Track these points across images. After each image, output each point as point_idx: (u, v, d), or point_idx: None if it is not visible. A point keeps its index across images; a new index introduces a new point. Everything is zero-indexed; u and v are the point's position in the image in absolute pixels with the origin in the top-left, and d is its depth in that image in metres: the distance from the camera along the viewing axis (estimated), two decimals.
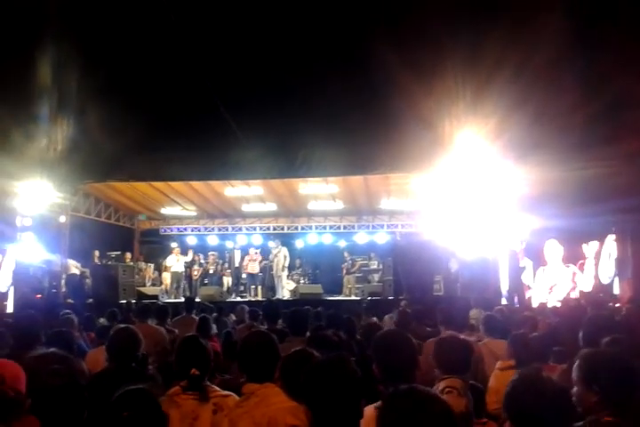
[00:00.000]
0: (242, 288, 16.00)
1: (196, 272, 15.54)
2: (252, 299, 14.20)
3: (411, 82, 8.43)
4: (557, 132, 8.27)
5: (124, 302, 11.06)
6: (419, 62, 8.55)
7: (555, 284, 11.26)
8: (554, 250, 11.39)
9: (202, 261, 15.85)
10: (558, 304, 9.71)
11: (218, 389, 2.65)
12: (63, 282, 12.83)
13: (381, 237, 16.72)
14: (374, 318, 7.75)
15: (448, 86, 8.77)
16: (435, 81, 8.82)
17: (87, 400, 2.05)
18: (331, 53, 10.50)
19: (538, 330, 4.89)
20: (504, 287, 11.15)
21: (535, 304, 10.38)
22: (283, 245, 14.91)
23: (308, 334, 4.22)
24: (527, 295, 11.35)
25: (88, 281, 13.33)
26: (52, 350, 2.60)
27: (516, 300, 11.00)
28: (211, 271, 15.51)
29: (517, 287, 11.28)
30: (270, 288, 15.21)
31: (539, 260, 11.53)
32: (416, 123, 8.94)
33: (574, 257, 11.15)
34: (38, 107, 10.57)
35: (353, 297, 14.22)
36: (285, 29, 11.00)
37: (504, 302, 10.38)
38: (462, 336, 3.54)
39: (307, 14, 10.61)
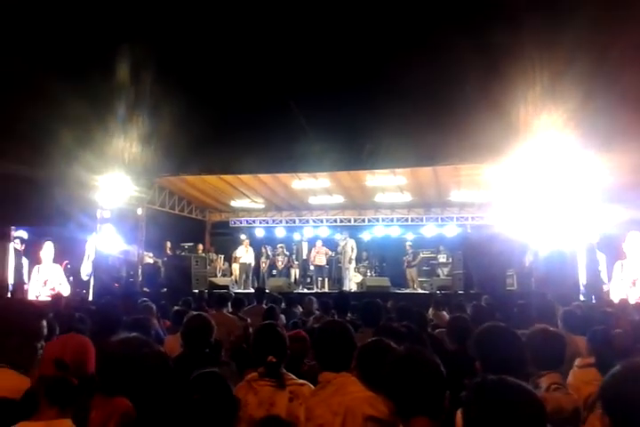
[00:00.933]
0: (308, 280, 16.14)
1: (263, 264, 15.82)
2: (319, 291, 14.28)
3: (482, 66, 8.12)
4: None
5: (197, 291, 11.41)
6: (490, 45, 8.20)
7: (637, 278, 10.63)
8: (635, 243, 10.74)
9: (269, 253, 16.12)
10: None
11: (294, 377, 2.66)
12: (139, 271, 13.41)
13: (450, 230, 16.33)
14: (444, 313, 7.60)
15: (523, 70, 8.34)
16: (508, 65, 8.43)
17: (175, 382, 2.10)
18: (397, 41, 10.32)
19: (620, 327, 4.62)
20: (581, 282, 10.64)
21: (614, 300, 9.84)
22: (350, 237, 14.90)
23: None
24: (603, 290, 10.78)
25: (161, 271, 13.87)
26: (133, 334, 2.70)
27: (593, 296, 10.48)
28: (279, 263, 15.74)
29: (595, 283, 10.72)
30: (337, 280, 15.26)
31: (616, 253, 10.90)
32: (488, 110, 8.57)
33: None
34: (117, 105, 11.06)
35: (419, 291, 14.03)
36: (352, 22, 10.92)
37: (581, 297, 9.91)
38: None
39: (371, 5, 10.49)
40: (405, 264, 15.18)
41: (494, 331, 2.55)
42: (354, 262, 14.71)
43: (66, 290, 12.31)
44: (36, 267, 12.80)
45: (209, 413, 1.84)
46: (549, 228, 10.17)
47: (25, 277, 12.69)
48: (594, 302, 9.71)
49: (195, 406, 1.86)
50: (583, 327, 4.47)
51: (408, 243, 15.70)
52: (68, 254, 13.07)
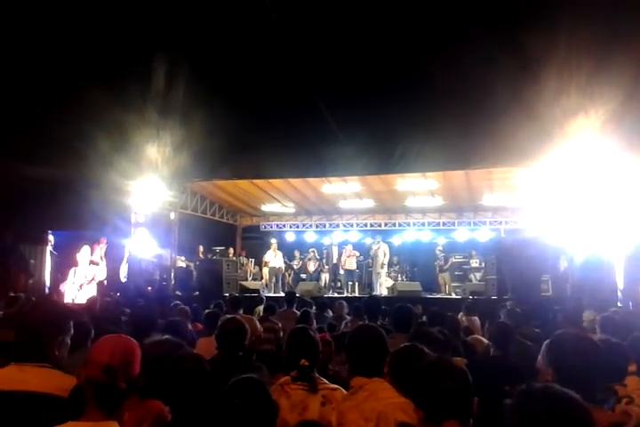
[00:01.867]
0: (339, 284, 16.10)
1: (287, 277, 15.94)
2: (350, 295, 14.24)
3: (515, 67, 7.95)
4: None
5: (228, 295, 11.50)
6: (524, 46, 8.02)
7: None
8: None
9: (294, 263, 16.18)
10: None
11: (326, 381, 2.66)
12: (172, 275, 13.59)
13: (483, 235, 16.10)
14: (476, 318, 7.49)
15: (558, 70, 8.13)
16: (543, 65, 8.24)
17: (212, 385, 2.10)
18: (429, 44, 10.24)
19: None
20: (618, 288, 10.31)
21: None
22: (383, 241, 14.80)
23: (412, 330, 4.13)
24: None
25: (193, 274, 14.04)
26: (166, 337, 2.73)
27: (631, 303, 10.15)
28: (310, 267, 15.75)
29: (633, 288, 10.37)
30: (367, 285, 15.18)
31: None
32: (521, 112, 8.39)
33: None
34: (151, 111, 11.26)
35: (453, 295, 13.85)
36: (381, 24, 10.88)
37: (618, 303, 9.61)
38: None
39: (402, 6, 10.43)
40: (438, 269, 15.03)
41: (570, 339, 2.38)
42: (385, 267, 14.60)
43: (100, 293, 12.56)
44: (73, 269, 13.10)
45: (248, 418, 1.84)
46: (585, 232, 9.91)
47: (60, 280, 13.00)
48: (631, 308, 9.40)
49: (234, 411, 1.86)
50: (621, 334, 4.34)
51: (439, 248, 15.54)
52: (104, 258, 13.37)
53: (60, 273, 13.13)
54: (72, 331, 2.29)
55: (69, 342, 2.29)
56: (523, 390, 1.37)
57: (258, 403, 1.88)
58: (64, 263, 13.17)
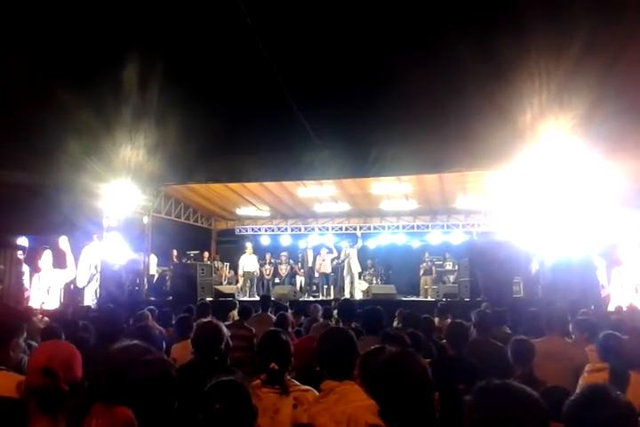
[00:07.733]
0: (314, 288, 16.07)
1: (267, 271, 15.81)
2: (325, 298, 14.21)
3: (488, 73, 8.10)
4: None
5: (201, 299, 11.37)
6: (496, 51, 8.18)
7: (638, 284, 10.54)
8: (632, 249, 10.68)
9: (271, 260, 16.08)
10: None
11: (297, 383, 2.65)
12: (145, 280, 13.39)
13: (456, 237, 16.29)
14: (448, 320, 7.55)
15: (530, 76, 8.30)
16: (515, 70, 8.40)
17: (179, 390, 2.07)
18: (403, 49, 10.36)
19: (628, 333, 4.57)
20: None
21: (614, 305, 9.77)
22: (351, 247, 14.64)
23: None
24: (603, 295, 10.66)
25: (167, 279, 13.87)
26: (134, 342, 2.69)
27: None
28: (282, 271, 15.70)
29: (594, 289, 10.60)
30: (342, 288, 15.15)
31: (612, 259, 10.82)
32: (494, 116, 8.54)
33: None
34: (124, 114, 11.13)
35: (429, 298, 13.95)
36: (356, 29, 10.97)
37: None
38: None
39: (377, 12, 10.54)
40: (422, 272, 15.12)
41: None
42: (357, 275, 14.48)
43: (64, 297, 12.34)
44: (36, 275, 12.81)
45: (229, 421, 1.81)
46: (556, 234, 10.10)
47: (26, 285, 12.70)
48: (592, 307, 9.65)
49: (216, 414, 1.84)
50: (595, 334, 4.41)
51: (426, 251, 15.64)
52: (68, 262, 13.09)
53: (26, 277, 12.82)
54: (25, 333, 2.26)
55: (23, 343, 2.26)
56: (481, 386, 1.38)
57: (238, 405, 1.85)
58: (29, 268, 12.86)
